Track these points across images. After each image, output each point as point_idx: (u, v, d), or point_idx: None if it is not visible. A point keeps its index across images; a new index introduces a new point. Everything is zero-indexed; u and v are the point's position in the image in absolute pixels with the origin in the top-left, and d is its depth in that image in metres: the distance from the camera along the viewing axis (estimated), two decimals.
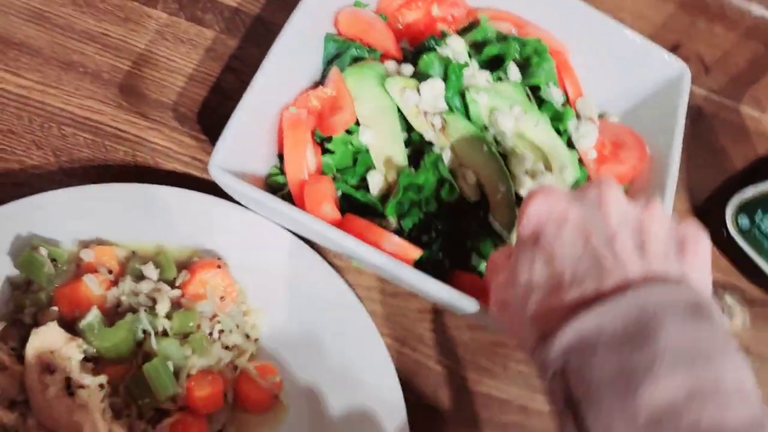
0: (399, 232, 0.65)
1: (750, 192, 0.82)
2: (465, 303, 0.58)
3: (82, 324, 0.55)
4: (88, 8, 0.75)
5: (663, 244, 0.44)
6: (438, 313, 0.72)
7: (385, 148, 0.66)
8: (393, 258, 0.58)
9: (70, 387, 0.52)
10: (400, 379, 0.63)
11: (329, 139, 0.66)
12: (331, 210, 0.61)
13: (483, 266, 0.67)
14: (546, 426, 0.70)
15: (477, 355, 0.71)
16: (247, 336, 0.62)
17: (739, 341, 0.81)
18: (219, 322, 0.60)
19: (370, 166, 0.66)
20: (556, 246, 0.44)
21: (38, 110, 0.69)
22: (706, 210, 0.89)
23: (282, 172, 0.65)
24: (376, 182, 0.64)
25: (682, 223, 0.46)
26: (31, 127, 0.68)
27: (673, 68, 0.81)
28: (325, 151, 0.66)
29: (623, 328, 0.39)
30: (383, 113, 0.67)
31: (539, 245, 0.45)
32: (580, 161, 0.73)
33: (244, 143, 0.61)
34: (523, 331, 0.46)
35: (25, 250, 0.58)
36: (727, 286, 0.87)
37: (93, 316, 0.55)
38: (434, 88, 0.66)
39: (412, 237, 0.65)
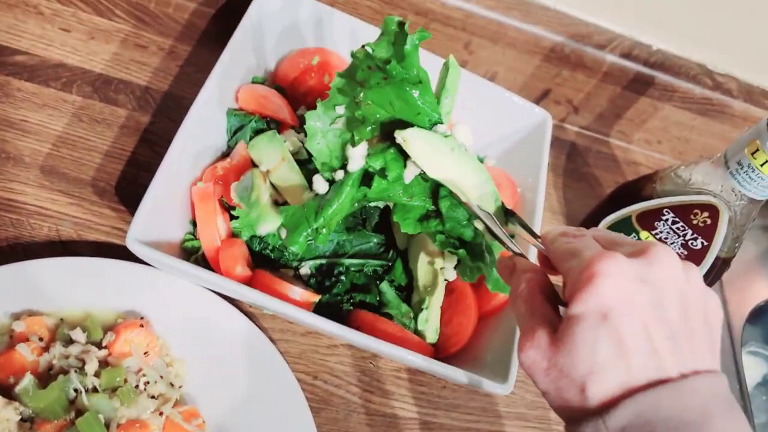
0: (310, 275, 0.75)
1: (612, 217, 0.95)
2: (361, 339, 0.67)
3: (18, 389, 0.61)
4: (6, 98, 0.82)
5: (702, 326, 0.47)
6: (346, 348, 0.81)
7: (288, 193, 0.75)
8: (296, 307, 0.66)
9: None
10: (314, 408, 0.72)
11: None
12: (242, 270, 0.69)
13: (385, 304, 0.76)
14: None
15: (382, 381, 0.81)
16: (171, 384, 0.69)
17: None
18: (144, 375, 0.67)
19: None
20: (624, 330, 0.44)
21: None
22: None
23: (195, 237, 0.73)
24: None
25: (706, 293, 0.49)
26: None
27: (537, 116, 0.94)
28: (232, 217, 0.74)
29: (679, 415, 0.42)
30: (282, 168, 0.76)
31: (606, 326, 0.44)
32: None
33: (159, 215, 0.69)
34: (570, 402, 0.46)
35: None
36: None
37: (27, 380, 0.62)
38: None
39: (318, 280, 0.75)
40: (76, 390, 0.63)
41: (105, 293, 0.71)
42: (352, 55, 0.69)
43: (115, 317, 0.70)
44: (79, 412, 0.63)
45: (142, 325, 0.69)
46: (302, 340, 0.80)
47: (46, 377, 0.65)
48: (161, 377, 0.69)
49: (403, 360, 0.69)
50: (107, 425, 0.63)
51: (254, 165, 0.77)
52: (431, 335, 0.75)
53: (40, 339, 0.66)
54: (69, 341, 0.67)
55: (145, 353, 0.68)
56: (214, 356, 0.72)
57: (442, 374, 0.69)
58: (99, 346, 0.68)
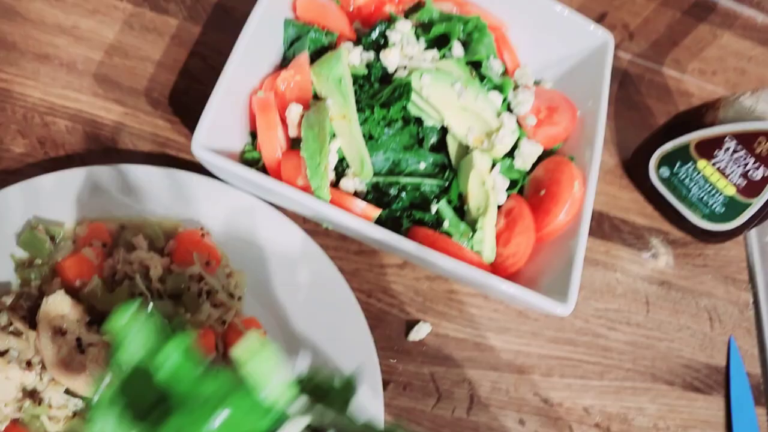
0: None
1: (669, 146, 0.93)
2: (421, 253, 0.66)
3: (87, 290, 0.62)
4: (56, 2, 0.80)
5: None
6: (400, 267, 0.80)
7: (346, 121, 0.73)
8: (358, 217, 0.66)
9: (81, 346, 0.59)
10: (368, 325, 0.72)
11: None
12: (304, 180, 0.68)
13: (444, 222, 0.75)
14: (496, 359, 0.80)
15: (435, 302, 0.80)
16: (231, 295, 0.69)
17: (665, 278, 0.92)
18: (206, 283, 0.67)
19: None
20: None
21: (20, 102, 0.74)
22: (633, 163, 1.00)
23: (255, 148, 0.72)
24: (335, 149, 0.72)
25: None
26: (14, 117, 0.73)
27: (598, 37, 0.90)
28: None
29: None
30: (341, 86, 0.74)
31: None
32: (519, 125, 0.82)
33: (220, 124, 0.67)
34: None
35: (25, 230, 0.64)
36: (653, 231, 0.98)
37: (95, 283, 0.62)
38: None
39: (374, 197, 0.74)
40: (141, 295, 0.64)
41: (165, 202, 0.70)
42: None
43: (176, 226, 0.70)
44: None
45: (203, 235, 0.69)
46: (356, 258, 0.79)
47: (110, 282, 0.65)
48: (222, 287, 0.69)
49: (462, 275, 0.68)
50: (174, 332, 0.63)
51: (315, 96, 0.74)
52: (488, 255, 0.75)
53: (103, 244, 0.66)
54: (131, 248, 0.67)
55: (207, 263, 0.68)
56: (273, 269, 0.72)
57: (501, 291, 0.68)
58: (161, 253, 0.68)
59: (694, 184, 0.92)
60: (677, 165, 0.93)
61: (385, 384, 0.74)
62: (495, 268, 0.76)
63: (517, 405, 0.79)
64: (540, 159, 0.82)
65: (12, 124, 0.73)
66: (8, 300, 0.61)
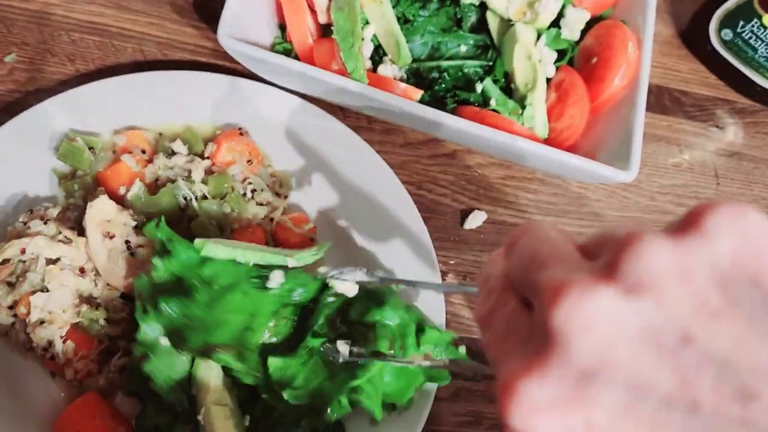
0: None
1: (731, 2, 0.85)
2: (471, 129, 0.62)
3: (130, 195, 0.61)
4: None
5: None
6: (448, 156, 0.77)
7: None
8: (402, 98, 0.62)
9: (130, 248, 0.58)
10: (422, 218, 0.69)
11: None
12: (339, 65, 0.65)
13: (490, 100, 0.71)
14: None
15: (489, 189, 0.77)
16: (277, 194, 0.67)
17: (734, 149, 0.86)
18: (250, 183, 0.65)
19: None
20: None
21: (45, 21, 0.72)
22: (691, 29, 0.92)
23: (285, 40, 0.69)
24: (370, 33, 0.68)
25: None
26: (42, 36, 0.72)
27: None
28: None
29: None
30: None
31: (585, 395, 0.26)
32: None
33: (247, 16, 0.64)
34: None
35: (64, 142, 0.63)
36: (718, 101, 0.91)
37: (137, 187, 0.61)
38: None
39: (414, 83, 0.70)
40: (185, 198, 0.62)
41: (200, 107, 0.68)
42: None
43: (213, 130, 0.68)
44: (191, 220, 0.62)
45: (241, 134, 0.67)
46: (402, 151, 0.76)
47: (153, 189, 0.64)
48: (267, 186, 0.67)
49: (516, 150, 0.64)
50: (221, 230, 0.62)
51: None
52: (541, 130, 0.70)
53: (143, 151, 0.65)
54: (171, 153, 0.65)
55: (248, 161, 0.66)
56: (318, 165, 0.69)
57: (559, 162, 0.64)
58: (201, 156, 0.66)
59: (761, 43, 0.85)
60: (740, 24, 0.85)
61: (444, 275, 0.72)
62: (549, 144, 0.72)
63: None
64: (588, 27, 0.76)
65: (40, 43, 0.71)
66: (55, 212, 0.60)
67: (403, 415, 0.60)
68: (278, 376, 0.54)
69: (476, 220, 0.75)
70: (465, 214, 0.75)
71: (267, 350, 0.55)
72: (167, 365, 0.55)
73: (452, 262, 0.73)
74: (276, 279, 0.55)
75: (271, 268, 0.57)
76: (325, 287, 0.57)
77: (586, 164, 0.64)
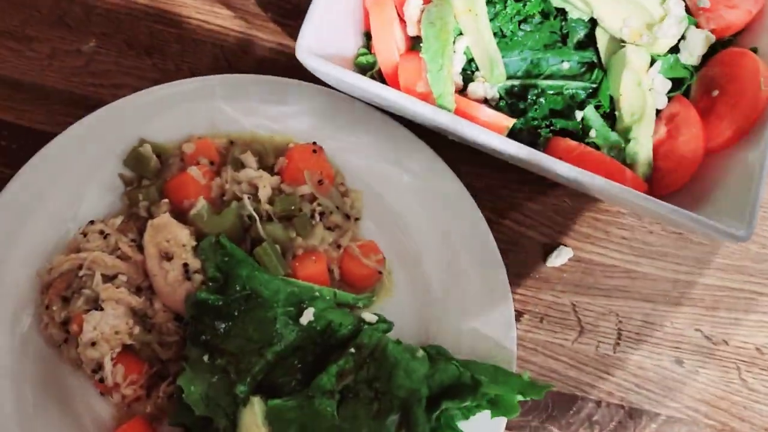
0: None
1: None
2: (562, 168, 0.56)
3: (193, 213, 0.58)
4: None
5: None
6: (538, 183, 0.71)
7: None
8: (487, 130, 0.56)
9: (188, 272, 0.55)
10: (502, 250, 0.64)
11: None
12: (425, 86, 0.59)
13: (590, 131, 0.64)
14: (649, 289, 0.69)
15: (578, 222, 0.70)
16: (348, 216, 0.63)
17: None
18: (319, 204, 0.62)
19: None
20: None
21: (124, 11, 0.70)
22: None
23: (370, 51, 0.63)
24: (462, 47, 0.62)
25: None
26: (120, 27, 0.69)
27: None
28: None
29: None
30: None
31: None
32: (688, 11, 0.67)
33: (330, 25, 0.59)
34: None
35: (131, 148, 0.61)
36: None
37: (201, 205, 0.58)
38: None
39: (509, 104, 0.64)
40: (250, 218, 0.59)
41: (275, 115, 0.64)
42: None
43: (287, 141, 0.64)
44: (254, 242, 0.59)
45: (315, 151, 0.62)
46: (489, 174, 0.70)
47: (218, 203, 0.61)
48: (337, 208, 0.63)
49: (612, 195, 0.57)
50: (283, 255, 0.59)
51: None
52: (643, 169, 0.63)
53: (211, 162, 0.62)
54: (240, 165, 0.62)
55: (320, 182, 0.62)
56: (394, 188, 0.64)
57: (661, 215, 0.57)
58: (271, 171, 0.62)
59: None
60: None
61: (519, 315, 0.67)
62: (652, 185, 0.64)
63: (674, 342, 0.68)
64: (712, 52, 0.67)
65: (119, 34, 0.69)
66: (117, 221, 0.58)
67: None
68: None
69: (561, 256, 0.68)
70: (549, 250, 0.69)
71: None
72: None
73: (530, 301, 0.67)
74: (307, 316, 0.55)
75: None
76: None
77: (694, 220, 0.56)
